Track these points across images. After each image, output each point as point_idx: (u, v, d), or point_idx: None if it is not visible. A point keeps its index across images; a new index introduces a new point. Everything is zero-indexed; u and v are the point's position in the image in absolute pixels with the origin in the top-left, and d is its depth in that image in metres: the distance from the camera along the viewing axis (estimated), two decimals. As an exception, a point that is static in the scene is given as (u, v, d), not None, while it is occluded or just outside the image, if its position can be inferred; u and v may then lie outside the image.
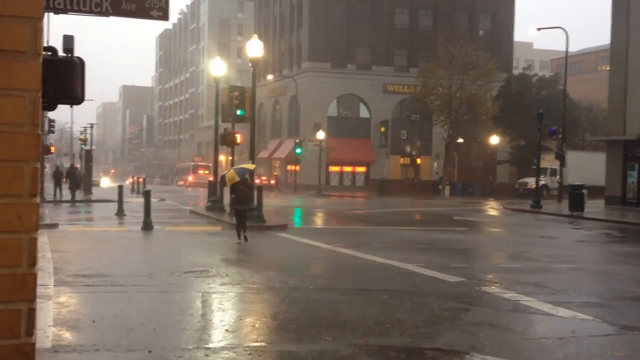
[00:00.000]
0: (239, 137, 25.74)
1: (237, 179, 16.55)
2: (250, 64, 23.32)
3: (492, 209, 35.48)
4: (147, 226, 18.87)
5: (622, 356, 7.44)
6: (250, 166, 19.18)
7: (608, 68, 39.48)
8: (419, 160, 57.09)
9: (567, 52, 41.87)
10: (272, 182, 58.07)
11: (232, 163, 25.63)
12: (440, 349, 7.32)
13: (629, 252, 18.44)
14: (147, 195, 19.67)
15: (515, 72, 60.70)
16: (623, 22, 36.08)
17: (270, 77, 66.24)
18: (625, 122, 35.33)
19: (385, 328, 8.16)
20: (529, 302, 10.01)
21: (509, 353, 7.36)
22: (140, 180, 47.46)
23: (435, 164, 57.53)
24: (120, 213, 24.14)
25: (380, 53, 60.29)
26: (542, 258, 15.54)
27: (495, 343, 7.75)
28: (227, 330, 7.93)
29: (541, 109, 38.07)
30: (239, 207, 16.99)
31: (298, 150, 54.78)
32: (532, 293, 10.65)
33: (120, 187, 25.66)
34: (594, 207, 33.11)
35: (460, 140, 52.40)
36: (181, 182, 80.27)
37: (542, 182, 43.79)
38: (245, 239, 16.68)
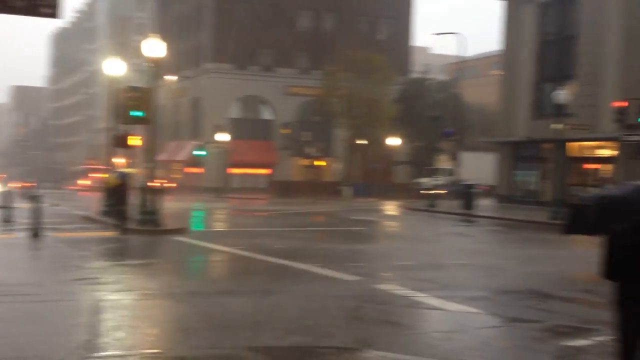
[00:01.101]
0: (136, 139, 25.11)
1: (116, 181, 18.82)
2: (148, 64, 22.84)
3: (391, 209, 36.41)
4: (36, 233, 18.09)
5: (508, 347, 7.83)
6: (133, 170, 20.26)
7: (499, 73, 41.39)
8: (321, 162, 57.71)
9: (461, 56, 43.65)
10: (171, 185, 56.96)
11: (130, 166, 25.00)
12: (335, 347, 7.47)
13: (516, 247, 19.40)
14: (35, 200, 18.85)
15: (414, 76, 62.54)
16: (513, 30, 37.98)
17: (170, 77, 65.01)
18: (514, 125, 37.18)
19: (283, 329, 8.22)
20: (422, 297, 10.36)
21: (402, 348, 7.59)
22: (29, 185, 45.32)
23: (337, 166, 58.36)
24: (6, 219, 23.00)
25: (283, 55, 60.50)
26: (435, 255, 16.12)
27: (388, 339, 7.98)
28: (119, 338, 7.75)
29: (437, 112, 39.41)
30: (119, 208, 19.88)
31: (199, 153, 53.96)
32: (425, 289, 11.02)
33: (8, 192, 24.46)
34: (485, 205, 34.62)
35: (361, 142, 53.41)
36: (74, 187, 77.34)
37: (438, 183, 45.35)
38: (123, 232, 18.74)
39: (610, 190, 5.33)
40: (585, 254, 14.79)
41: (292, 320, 8.72)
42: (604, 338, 8.00)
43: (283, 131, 59.88)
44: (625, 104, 25.51)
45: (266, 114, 61.64)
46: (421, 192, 43.88)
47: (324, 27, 62.14)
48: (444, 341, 7.93)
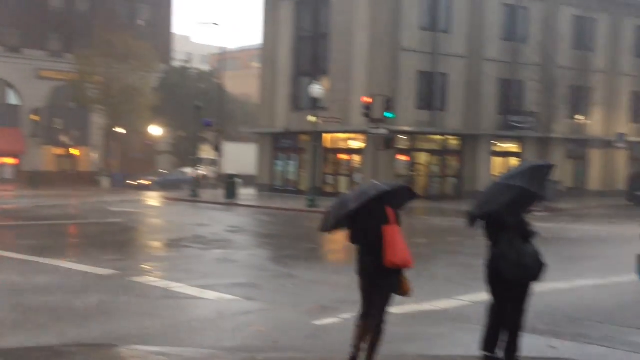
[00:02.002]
0: None
1: None
2: None
3: (152, 199, 35.62)
4: None
5: (263, 331, 8.10)
6: None
7: (260, 66, 42.49)
8: (76, 151, 54.43)
9: (223, 48, 43.91)
10: None
11: None
12: (85, 345, 7.12)
13: (273, 234, 20.15)
14: None
15: (176, 64, 61.62)
16: (272, 25, 39.19)
17: None
18: (274, 116, 38.47)
19: (30, 330, 7.64)
20: (179, 288, 10.31)
21: (157, 340, 7.49)
22: None
23: (94, 155, 55.55)
24: None
25: (32, 36, 55.78)
26: (194, 245, 16.11)
27: (145, 332, 7.82)
28: None
29: (200, 101, 39.33)
30: None
31: None
32: (183, 279, 10.98)
33: None
34: (248, 194, 35.44)
35: (121, 130, 51.41)
36: None
37: (202, 173, 45.34)
38: None
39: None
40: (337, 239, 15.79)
41: (39, 320, 8.16)
42: (349, 315, 8.66)
43: (32, 117, 55.40)
44: (371, 100, 27.69)
45: (12, 99, 56.54)
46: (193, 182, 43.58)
47: (79, 8, 58.55)
48: (202, 330, 7.98)
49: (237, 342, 7.39)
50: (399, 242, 5.82)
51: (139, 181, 46.53)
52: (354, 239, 6.06)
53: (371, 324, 5.96)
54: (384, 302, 6.01)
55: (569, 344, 7.47)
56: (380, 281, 5.92)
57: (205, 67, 66.27)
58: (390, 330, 7.98)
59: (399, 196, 6.17)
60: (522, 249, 6.21)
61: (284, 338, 7.69)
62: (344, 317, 8.55)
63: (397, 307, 9.12)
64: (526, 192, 6.25)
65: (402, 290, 6.03)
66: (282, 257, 14.83)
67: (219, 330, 7.94)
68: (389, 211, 5.91)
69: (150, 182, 45.99)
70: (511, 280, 6.23)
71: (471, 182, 34.10)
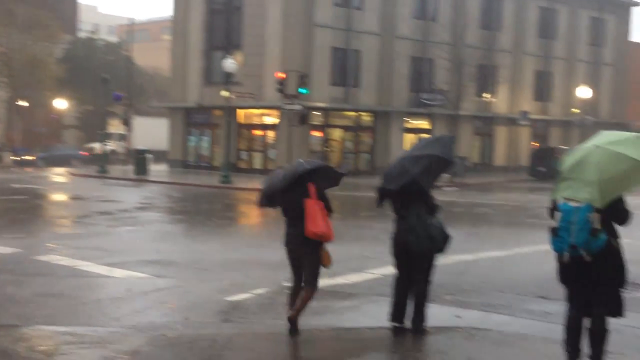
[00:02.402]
0: None
1: None
2: None
3: (59, 175, 34.33)
4: None
5: (174, 308, 8.00)
6: None
7: (170, 38, 41.41)
8: (-25, 125, 51.51)
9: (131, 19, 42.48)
10: None
11: None
12: (-13, 326, 6.82)
13: (188, 211, 19.88)
14: None
15: (82, 35, 59.19)
16: (182, -2, 38.21)
17: None
18: (186, 91, 37.70)
19: None
20: (87, 266, 10.03)
21: (67, 319, 7.28)
22: None
23: (-5, 129, 52.80)
24: None
25: None
26: (103, 222, 15.68)
27: (51, 311, 7.58)
28: None
29: (107, 74, 38.04)
30: None
31: None
32: (90, 257, 10.68)
33: None
34: (159, 170, 34.72)
35: (24, 103, 49.06)
36: None
37: (110, 148, 44.02)
38: None
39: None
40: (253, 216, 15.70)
41: None
42: (263, 291, 8.69)
43: None
44: (285, 75, 27.58)
45: None
46: (93, 157, 42.22)
47: (-23, -25, 55.20)
48: (110, 308, 7.81)
49: (148, 320, 7.27)
50: (319, 215, 6.23)
51: (22, 157, 43.50)
52: (283, 212, 6.55)
53: (307, 290, 6.42)
54: (313, 270, 6.41)
55: (474, 313, 7.77)
56: (304, 251, 6.36)
57: (113, 39, 64.02)
58: (302, 304, 8.07)
59: (324, 175, 6.54)
60: (428, 222, 6.40)
61: (196, 315, 7.63)
62: (257, 293, 8.57)
63: (310, 282, 9.24)
64: (437, 158, 6.44)
65: (324, 262, 6.44)
66: (195, 234, 14.67)
67: (129, 309, 7.79)
68: (311, 187, 6.30)
69: (35, 158, 43.31)
70: (418, 252, 6.41)
71: (384, 158, 34.71)
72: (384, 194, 6.61)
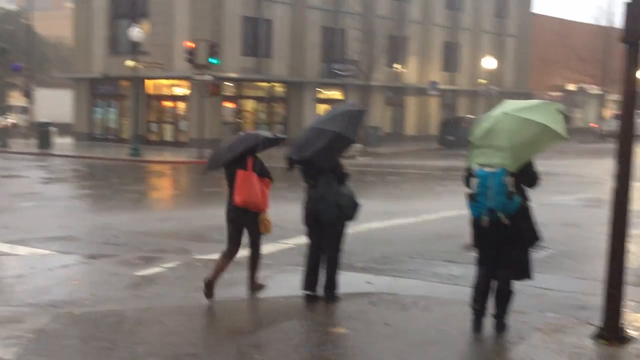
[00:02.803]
0: None
1: None
2: None
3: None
4: None
5: (78, 284, 7.74)
6: None
7: (73, 6, 39.54)
8: None
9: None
10: None
11: None
12: None
13: (95, 185, 19.26)
14: None
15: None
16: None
17: None
18: (91, 61, 36.24)
19: None
20: (-13, 244, 9.57)
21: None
22: None
23: None
24: None
25: None
26: (5, 198, 14.99)
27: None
28: None
29: (6, 44, 36.05)
30: None
31: None
32: (-10, 235, 10.19)
33: None
34: (64, 143, 33.41)
35: None
36: None
37: (11, 121, 41.90)
38: None
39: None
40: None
41: None
42: (173, 264, 8.55)
43: None
44: (194, 45, 26.95)
45: None
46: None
47: None
48: (15, 287, 7.50)
49: (53, 297, 7.02)
50: (247, 185, 6.54)
51: None
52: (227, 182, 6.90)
53: (253, 256, 6.98)
54: (253, 238, 6.87)
55: (384, 279, 7.94)
56: (242, 220, 6.76)
57: (11, 6, 60.61)
58: (214, 276, 8.00)
59: (266, 145, 6.85)
60: (338, 190, 6.45)
61: (103, 291, 7.42)
62: (168, 266, 8.42)
63: (222, 253, 9.16)
64: (339, 136, 6.44)
65: (261, 229, 6.81)
66: (103, 208, 14.25)
67: (33, 287, 7.49)
68: (249, 160, 6.61)
69: None
70: (328, 220, 6.46)
71: (297, 129, 34.64)
72: (291, 163, 6.61)
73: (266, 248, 9.51)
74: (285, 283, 7.74)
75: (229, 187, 6.79)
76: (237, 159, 6.57)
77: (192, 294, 7.17)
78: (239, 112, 34.56)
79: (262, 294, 7.09)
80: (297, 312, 6.52)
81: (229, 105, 33.86)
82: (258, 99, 35.61)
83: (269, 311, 6.64)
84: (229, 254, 6.88)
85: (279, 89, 36.32)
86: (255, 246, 6.94)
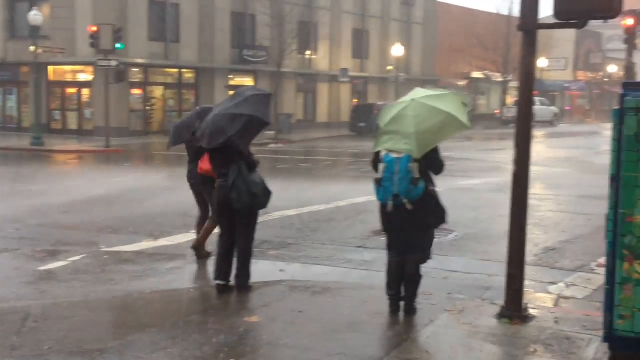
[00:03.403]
0: None
1: None
2: None
3: None
4: None
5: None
6: None
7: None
8: None
9: None
10: None
11: None
12: None
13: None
14: None
15: None
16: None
17: None
18: None
19: None
20: None
21: None
22: None
23: None
24: None
25: None
26: None
27: None
28: None
29: None
30: None
31: None
32: None
33: None
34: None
35: None
36: None
37: None
38: None
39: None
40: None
41: None
42: (79, 258, 8.27)
43: None
44: (97, 29, 26.01)
45: None
46: None
47: None
48: None
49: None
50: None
51: None
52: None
53: (208, 222, 7.96)
54: (212, 204, 7.49)
55: (297, 266, 7.97)
56: (202, 188, 7.72)
57: None
58: (124, 268, 7.81)
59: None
60: (250, 178, 6.41)
61: (5, 286, 7.09)
62: (73, 260, 8.14)
63: (132, 245, 8.94)
64: (255, 119, 6.40)
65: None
66: (2, 200, 13.58)
67: None
68: None
69: None
70: (242, 209, 6.41)
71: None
72: (200, 151, 6.52)
73: (175, 238, 9.39)
74: (196, 274, 7.65)
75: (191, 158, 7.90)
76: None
77: (100, 287, 6.97)
78: (147, 99, 33.72)
79: (173, 285, 6.97)
80: (209, 303, 6.45)
81: (136, 92, 32.99)
82: (167, 85, 34.86)
83: (180, 302, 6.53)
84: (202, 218, 8.17)
85: (188, 75, 35.67)
86: (212, 215, 7.83)
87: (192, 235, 9.58)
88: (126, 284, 6.62)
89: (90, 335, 5.46)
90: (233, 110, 6.41)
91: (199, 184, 7.68)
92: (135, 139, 30.70)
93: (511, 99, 48.45)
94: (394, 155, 5.51)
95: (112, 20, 28.86)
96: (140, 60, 32.11)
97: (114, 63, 26.22)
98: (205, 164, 7.04)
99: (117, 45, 26.41)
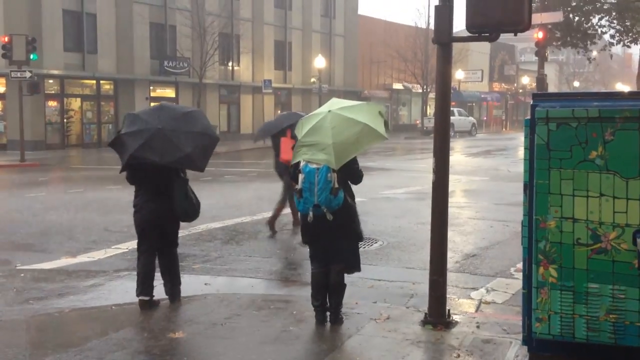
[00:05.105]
0: None
1: None
2: None
3: None
4: None
5: None
6: None
7: None
8: None
9: None
10: None
11: None
12: None
13: None
14: None
15: None
16: None
17: None
18: None
19: None
20: None
21: None
22: None
23: None
24: None
25: None
26: None
27: None
28: None
29: None
30: None
31: None
32: None
33: None
34: None
35: None
36: None
37: None
38: None
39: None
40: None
41: None
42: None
43: None
44: (8, 39, 25.05)
45: None
46: None
47: None
48: None
49: None
50: (288, 147, 9.07)
51: None
52: None
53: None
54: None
55: (222, 279, 7.89)
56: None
57: None
58: (42, 286, 7.52)
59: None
60: (189, 193, 6.38)
61: None
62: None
63: (50, 263, 8.62)
64: (207, 137, 6.38)
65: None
66: None
67: None
68: (288, 131, 9.63)
69: None
70: (170, 223, 6.32)
71: (127, 128, 33.47)
72: (138, 165, 6.27)
73: (94, 254, 9.11)
74: (118, 290, 7.45)
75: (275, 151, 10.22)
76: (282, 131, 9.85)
77: (17, 307, 6.68)
78: (64, 111, 32.70)
79: (94, 302, 6.76)
80: (134, 320, 6.29)
81: (52, 103, 31.96)
82: (84, 97, 33.94)
83: (102, 320, 6.33)
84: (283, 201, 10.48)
85: (107, 86, 34.85)
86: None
87: (111, 251, 9.35)
88: (45, 302, 6.36)
89: (6, 358, 5.22)
90: (184, 128, 6.33)
91: (282, 172, 9.75)
92: (52, 152, 29.69)
93: (431, 109, 49.68)
94: (313, 166, 5.54)
95: (25, 30, 27.89)
96: (55, 72, 31.14)
97: (27, 74, 25.30)
98: (285, 155, 9.09)
99: (31, 56, 25.51)
